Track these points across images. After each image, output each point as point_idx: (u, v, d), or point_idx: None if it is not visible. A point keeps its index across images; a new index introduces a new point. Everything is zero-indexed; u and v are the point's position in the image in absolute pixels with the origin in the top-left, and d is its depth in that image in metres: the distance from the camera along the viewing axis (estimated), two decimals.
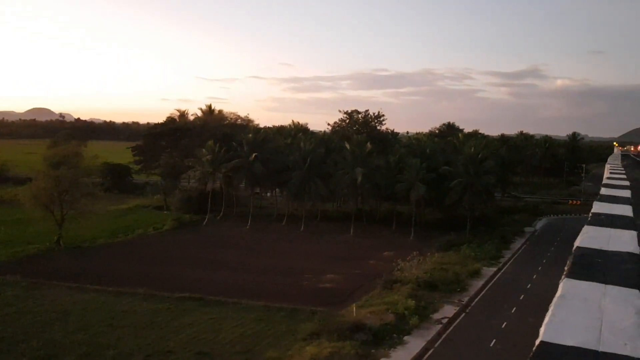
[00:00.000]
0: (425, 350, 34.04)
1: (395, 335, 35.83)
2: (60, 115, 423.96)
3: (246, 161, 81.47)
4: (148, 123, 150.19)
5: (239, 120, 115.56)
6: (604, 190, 22.08)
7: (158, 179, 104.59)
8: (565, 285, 7.46)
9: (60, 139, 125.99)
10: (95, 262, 57.38)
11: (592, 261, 9.07)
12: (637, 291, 7.29)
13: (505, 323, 39.58)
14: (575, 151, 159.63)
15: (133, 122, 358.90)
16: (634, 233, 11.80)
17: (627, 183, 26.89)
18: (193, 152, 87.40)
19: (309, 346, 32.88)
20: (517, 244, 70.48)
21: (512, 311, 42.57)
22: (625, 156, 73.76)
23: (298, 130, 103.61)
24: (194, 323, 39.15)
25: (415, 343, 34.84)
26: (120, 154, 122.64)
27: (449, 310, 41.87)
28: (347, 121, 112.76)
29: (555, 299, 6.93)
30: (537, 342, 5.57)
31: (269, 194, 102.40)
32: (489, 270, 55.09)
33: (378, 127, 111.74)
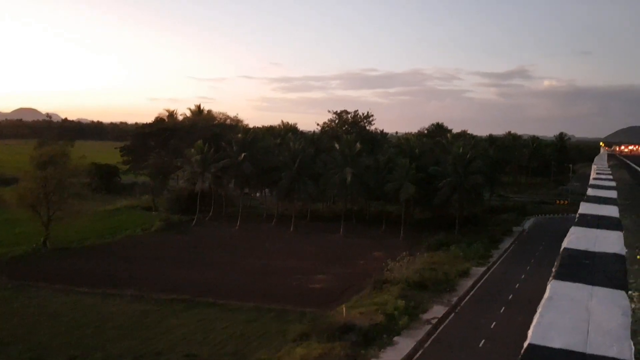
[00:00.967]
0: (415, 350, 34.16)
1: (385, 335, 35.87)
2: (47, 115, 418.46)
3: (235, 161, 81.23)
4: (136, 123, 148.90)
5: (229, 120, 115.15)
6: (590, 191, 22.28)
7: (146, 179, 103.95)
8: (553, 287, 7.51)
9: (47, 139, 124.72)
10: (83, 264, 56.88)
11: (579, 262, 9.15)
12: (623, 292, 7.36)
13: (494, 323, 39.82)
14: (562, 151, 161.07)
15: (121, 122, 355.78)
16: (620, 234, 11.93)
17: (613, 184, 27.17)
18: (182, 152, 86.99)
19: (299, 347, 32.88)
20: (506, 243, 70.95)
21: (501, 311, 42.85)
22: (611, 156, 74.63)
23: (288, 130, 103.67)
24: (183, 324, 38.99)
25: (405, 343, 34.93)
26: (109, 154, 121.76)
27: (438, 310, 42.04)
28: (337, 121, 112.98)
29: (543, 301, 6.98)
30: (525, 344, 5.60)
31: (258, 194, 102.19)
32: (478, 270, 55.40)
33: (367, 127, 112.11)
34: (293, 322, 38.70)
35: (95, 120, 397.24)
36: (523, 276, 53.87)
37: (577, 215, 14.89)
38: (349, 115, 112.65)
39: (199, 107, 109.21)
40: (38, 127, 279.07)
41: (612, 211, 15.78)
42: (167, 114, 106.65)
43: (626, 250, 10.35)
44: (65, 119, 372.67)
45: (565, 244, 10.59)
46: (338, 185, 76.94)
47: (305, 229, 79.77)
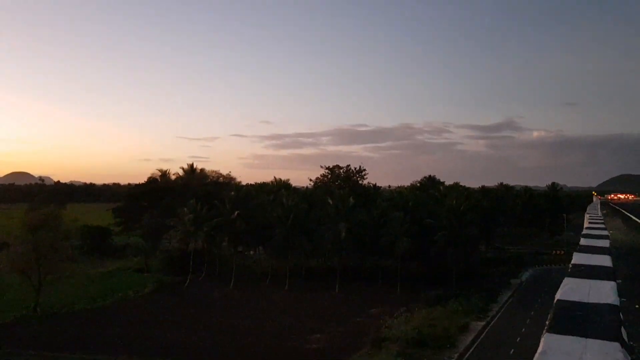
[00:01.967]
0: None
1: None
2: (40, 178, 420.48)
3: (228, 219, 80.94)
4: (129, 184, 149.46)
5: (221, 178, 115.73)
6: (583, 241, 22.28)
7: (139, 240, 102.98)
8: (547, 340, 7.39)
9: (39, 202, 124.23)
10: (73, 329, 55.41)
11: (573, 314, 9.03)
12: (617, 344, 7.24)
13: None
14: (555, 201, 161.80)
15: (114, 184, 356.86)
16: (613, 284, 11.84)
17: (606, 233, 27.19)
18: (175, 211, 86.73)
19: None
20: (504, 296, 69.98)
21: None
22: (604, 204, 74.98)
23: (280, 187, 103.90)
24: None
25: None
26: (101, 215, 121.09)
27: None
28: (329, 176, 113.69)
29: (536, 355, 6.85)
30: None
31: (252, 252, 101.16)
32: (477, 325, 54.37)
33: (360, 182, 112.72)
34: None
35: (87, 182, 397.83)
36: (523, 330, 52.79)
37: (570, 266, 14.83)
38: (342, 170, 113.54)
39: (191, 166, 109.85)
40: (30, 190, 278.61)
41: (605, 261, 15.72)
42: (159, 174, 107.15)
43: (620, 300, 10.26)
44: (58, 181, 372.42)
45: (558, 295, 10.49)
46: (332, 240, 76.49)
47: (300, 286, 78.50)
